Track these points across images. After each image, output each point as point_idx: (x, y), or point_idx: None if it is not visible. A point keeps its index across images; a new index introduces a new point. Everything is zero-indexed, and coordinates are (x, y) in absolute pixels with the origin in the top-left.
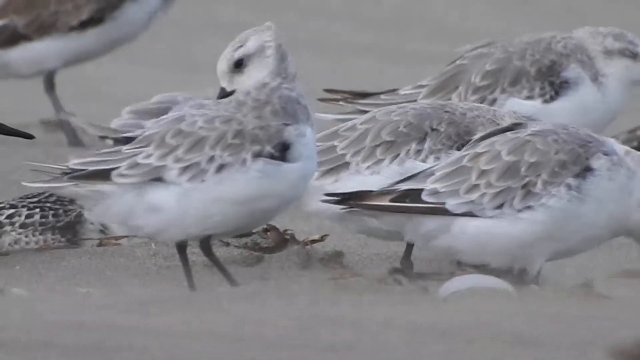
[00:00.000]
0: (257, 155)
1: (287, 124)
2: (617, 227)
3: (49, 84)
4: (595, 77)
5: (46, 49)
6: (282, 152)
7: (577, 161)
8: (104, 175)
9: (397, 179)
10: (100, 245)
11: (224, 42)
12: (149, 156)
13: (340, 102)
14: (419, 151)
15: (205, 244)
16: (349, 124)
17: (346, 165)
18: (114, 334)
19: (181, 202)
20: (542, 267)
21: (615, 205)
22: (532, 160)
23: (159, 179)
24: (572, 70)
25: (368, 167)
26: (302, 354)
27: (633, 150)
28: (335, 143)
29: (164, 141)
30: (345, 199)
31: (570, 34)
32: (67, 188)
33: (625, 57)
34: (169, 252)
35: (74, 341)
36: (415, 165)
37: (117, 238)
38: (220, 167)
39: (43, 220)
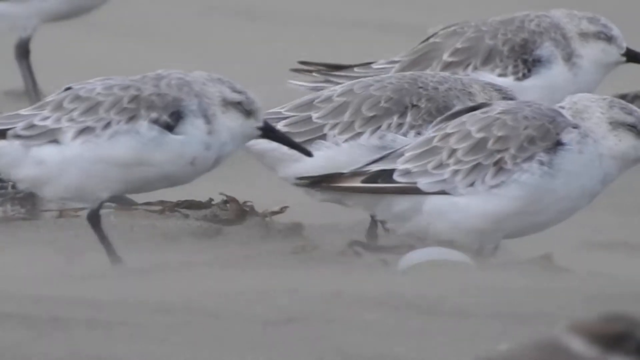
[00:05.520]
0: (154, 121)
1: (182, 98)
2: (591, 196)
3: (22, 51)
4: (569, 57)
5: (9, 9)
6: (176, 121)
7: (546, 136)
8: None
9: (377, 152)
10: (60, 217)
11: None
12: (45, 118)
13: (314, 74)
14: (400, 125)
15: (94, 215)
16: (325, 95)
17: (323, 136)
18: (74, 306)
19: (65, 158)
20: (500, 240)
21: (587, 177)
22: (500, 134)
23: (54, 141)
24: (545, 49)
25: (346, 140)
26: (257, 325)
27: (580, 105)
28: (311, 114)
29: (61, 106)
30: (316, 181)
31: (546, 13)
32: None
33: (600, 39)
34: (128, 224)
35: (34, 313)
36: (395, 138)
37: (76, 210)
38: (113, 131)
39: (2, 191)
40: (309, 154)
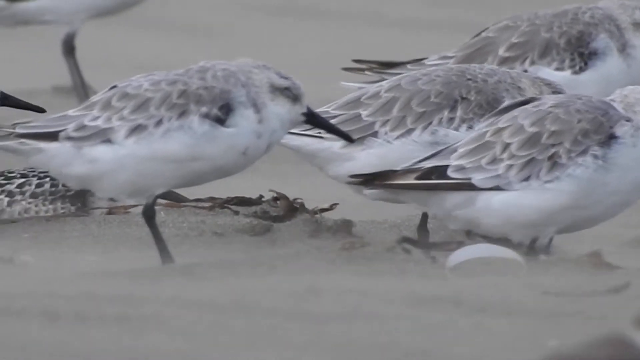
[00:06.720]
0: (205, 116)
1: (229, 89)
2: None
3: (68, 47)
4: (623, 48)
5: (55, 4)
6: (227, 114)
7: (599, 130)
8: (51, 136)
9: (429, 148)
10: (109, 213)
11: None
12: (95, 118)
13: (367, 72)
14: (451, 119)
15: (149, 210)
16: (372, 91)
17: (374, 134)
18: (123, 303)
19: (119, 157)
20: (553, 235)
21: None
22: (553, 128)
23: (107, 141)
24: (600, 41)
25: (398, 137)
26: (306, 323)
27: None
28: (360, 111)
29: (110, 104)
30: (369, 179)
31: (596, 5)
32: (13, 145)
33: None
34: (178, 220)
35: (82, 310)
36: (448, 133)
37: (126, 207)
38: (166, 128)
39: (53, 189)
40: (350, 139)
